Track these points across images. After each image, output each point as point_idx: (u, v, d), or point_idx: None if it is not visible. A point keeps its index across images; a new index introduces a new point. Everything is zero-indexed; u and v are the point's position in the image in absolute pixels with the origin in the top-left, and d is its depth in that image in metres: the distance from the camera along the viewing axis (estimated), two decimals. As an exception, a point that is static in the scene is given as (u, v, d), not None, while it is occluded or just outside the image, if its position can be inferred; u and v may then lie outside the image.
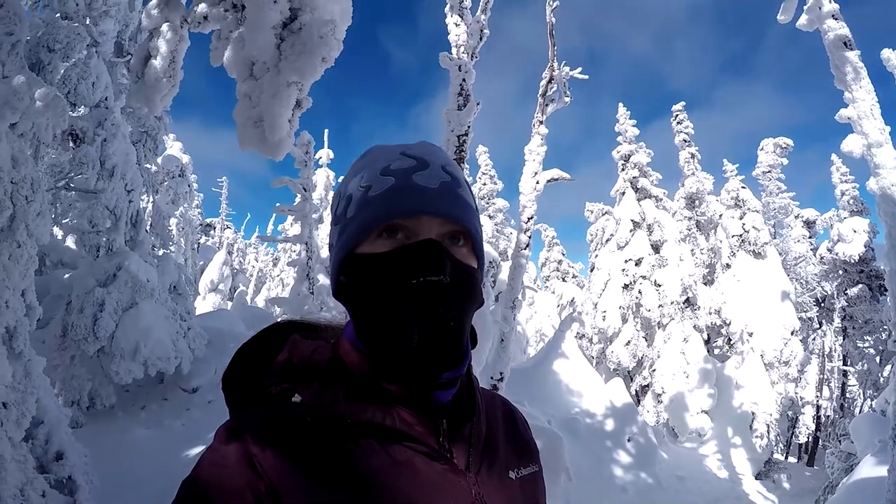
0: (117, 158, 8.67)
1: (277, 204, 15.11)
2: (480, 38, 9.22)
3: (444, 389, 0.78)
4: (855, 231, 16.30)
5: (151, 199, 12.44)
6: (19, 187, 4.78)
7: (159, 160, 13.14)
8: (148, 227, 11.47)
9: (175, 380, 9.47)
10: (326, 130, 22.00)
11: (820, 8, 6.08)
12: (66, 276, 8.47)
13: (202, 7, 6.75)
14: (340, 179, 0.94)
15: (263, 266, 30.82)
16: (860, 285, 16.70)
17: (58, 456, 4.44)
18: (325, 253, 17.61)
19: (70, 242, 9.56)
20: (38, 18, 6.87)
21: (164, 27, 7.65)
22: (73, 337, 7.85)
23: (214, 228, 30.14)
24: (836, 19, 5.89)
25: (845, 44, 5.79)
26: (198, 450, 7.55)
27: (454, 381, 0.79)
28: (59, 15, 7.27)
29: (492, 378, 9.40)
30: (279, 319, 0.91)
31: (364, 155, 0.88)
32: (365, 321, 0.78)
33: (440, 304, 0.75)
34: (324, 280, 15.21)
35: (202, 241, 28.13)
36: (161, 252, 12.02)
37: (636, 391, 17.89)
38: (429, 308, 0.74)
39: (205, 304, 21.28)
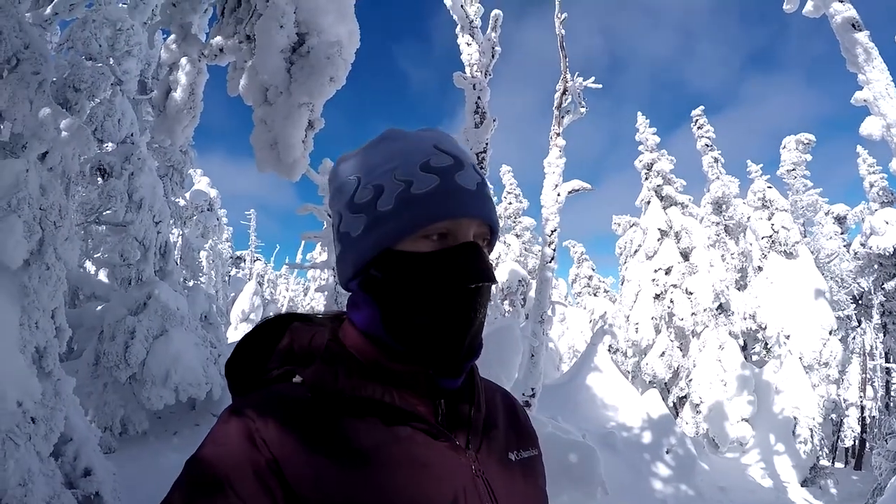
0: (144, 191, 8.98)
1: (304, 232, 15.39)
2: (493, 56, 9.38)
3: (457, 377, 0.81)
4: (887, 223, 15.76)
5: (181, 233, 12.78)
6: (48, 213, 4.99)
7: (188, 195, 13.54)
8: (178, 260, 11.77)
9: (206, 406, 9.60)
10: (348, 157, 22.42)
11: (823, -8, 6.04)
12: (99, 308, 8.73)
13: (218, 40, 7.03)
14: (345, 161, 0.88)
15: (294, 295, 31.21)
16: (897, 278, 16.13)
17: (86, 472, 4.54)
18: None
19: (102, 276, 9.87)
20: (63, 60, 7.21)
21: (183, 60, 7.97)
22: (106, 364, 8.05)
23: (244, 260, 30.70)
24: (841, 1, 5.83)
25: (854, 25, 5.72)
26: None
27: (467, 369, 0.83)
28: (83, 56, 7.63)
29: (523, 395, 9.31)
30: (279, 314, 0.92)
31: (384, 140, 0.87)
32: (403, 318, 0.79)
33: (483, 306, 0.80)
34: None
35: (233, 273, 28.62)
36: (191, 283, 12.30)
37: (674, 402, 17.47)
38: (477, 311, 0.79)
39: (237, 334, 21.59)
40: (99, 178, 8.30)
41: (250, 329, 0.89)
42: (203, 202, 14.97)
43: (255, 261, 30.52)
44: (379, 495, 0.70)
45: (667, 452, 11.50)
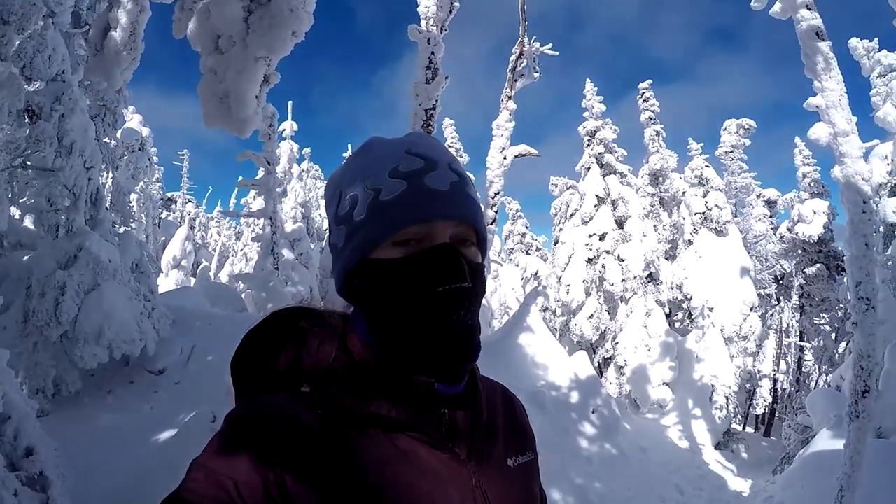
0: (75, 134, 8.29)
1: (240, 178, 14.82)
2: (450, 11, 9.07)
3: (454, 383, 0.82)
4: (815, 212, 16.86)
5: (111, 175, 11.99)
6: (-22, 172, 4.53)
7: (118, 133, 12.65)
8: (108, 204, 11.07)
9: (141, 362, 9.25)
10: (290, 102, 21.72)
11: (794, -3, 6.12)
12: (26, 258, 8.15)
13: (165, -24, 6.41)
14: (333, 174, 0.90)
15: (226, 240, 30.28)
16: (818, 265, 17.36)
17: (28, 452, 4.31)
18: (289, 227, 17.38)
19: (28, 222, 9.17)
20: (-12, -13, 6.43)
21: (125, -3, 7.25)
22: (35, 323, 7.57)
23: (176, 203, 29.37)
24: (809, 9, 5.95)
25: (817, 34, 5.87)
26: (167, 434, 7.45)
27: (464, 373, 0.83)
28: (11, -17, 6.83)
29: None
30: (285, 307, 0.92)
31: (363, 150, 0.87)
32: (385, 325, 0.79)
33: (462, 308, 0.78)
34: (288, 255, 15.02)
35: (163, 216, 27.39)
36: (122, 230, 11.63)
37: (599, 363, 18.26)
38: (453, 314, 0.77)
39: (167, 281, 20.76)
40: (27, 120, 7.57)
41: (255, 324, 0.88)
42: (134, 141, 14.09)
43: (186, 203, 29.24)
44: None
45: (592, 412, 12.03)
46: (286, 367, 0.81)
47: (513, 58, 13.17)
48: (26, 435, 4.33)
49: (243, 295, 15.37)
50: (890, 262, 8.66)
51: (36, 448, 4.33)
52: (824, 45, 5.83)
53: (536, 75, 13.35)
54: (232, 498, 0.67)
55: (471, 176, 0.93)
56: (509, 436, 0.92)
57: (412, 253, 0.77)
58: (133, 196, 16.85)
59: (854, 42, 6.80)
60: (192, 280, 21.40)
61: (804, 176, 17.91)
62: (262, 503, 0.67)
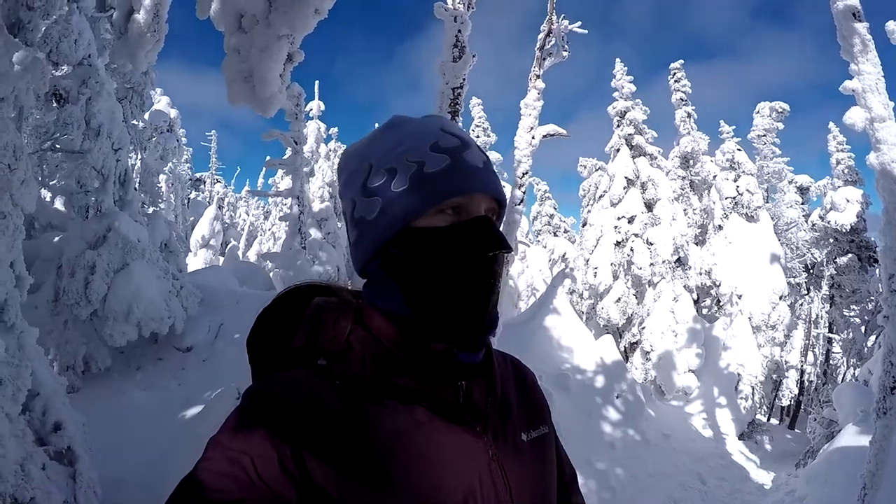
0: (103, 117, 8.44)
1: (268, 157, 14.94)
2: (479, -11, 8.91)
3: (477, 350, 0.84)
4: (848, 201, 16.34)
5: (140, 157, 12.20)
6: (1, 156, 4.62)
7: (146, 116, 12.84)
8: (137, 185, 11.28)
9: (169, 339, 9.48)
10: (317, 82, 21.70)
11: (830, -24, 5.86)
12: (56, 238, 8.38)
13: (188, -41, 6.41)
14: (354, 149, 0.91)
15: (254, 220, 30.68)
16: (850, 255, 16.84)
17: (56, 427, 4.46)
18: (316, 206, 17.49)
19: (59, 204, 9.41)
20: (15, -27, 6.53)
21: (148, -20, 7.28)
22: (66, 301, 7.80)
23: (204, 183, 29.79)
24: (845, -12, 5.68)
25: (854, 14, 5.61)
26: (194, 410, 7.64)
27: (486, 341, 0.85)
28: (37, -31, 6.93)
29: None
30: (297, 284, 0.93)
31: (393, 126, 0.89)
32: (424, 291, 0.81)
33: (500, 275, 0.83)
34: (315, 234, 15.14)
35: (192, 196, 27.83)
36: (151, 210, 11.88)
37: (625, 348, 18.11)
38: (496, 278, 0.82)
39: (196, 260, 21.17)
40: (54, 104, 7.73)
41: (270, 301, 0.89)
42: (163, 123, 14.26)
43: (214, 183, 29.66)
44: (397, 485, 0.72)
45: (617, 397, 11.95)
46: (303, 343, 0.82)
47: (541, 36, 12.89)
48: (55, 410, 4.48)
49: (271, 274, 15.58)
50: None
51: (64, 423, 4.48)
52: (861, 27, 5.58)
53: (565, 54, 13.06)
54: (248, 474, 0.68)
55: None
56: (522, 409, 0.93)
57: (457, 222, 0.81)
58: (162, 177, 17.13)
59: (891, 25, 6.41)
60: (221, 259, 21.75)
61: (838, 163, 17.32)
62: (279, 478, 0.69)
